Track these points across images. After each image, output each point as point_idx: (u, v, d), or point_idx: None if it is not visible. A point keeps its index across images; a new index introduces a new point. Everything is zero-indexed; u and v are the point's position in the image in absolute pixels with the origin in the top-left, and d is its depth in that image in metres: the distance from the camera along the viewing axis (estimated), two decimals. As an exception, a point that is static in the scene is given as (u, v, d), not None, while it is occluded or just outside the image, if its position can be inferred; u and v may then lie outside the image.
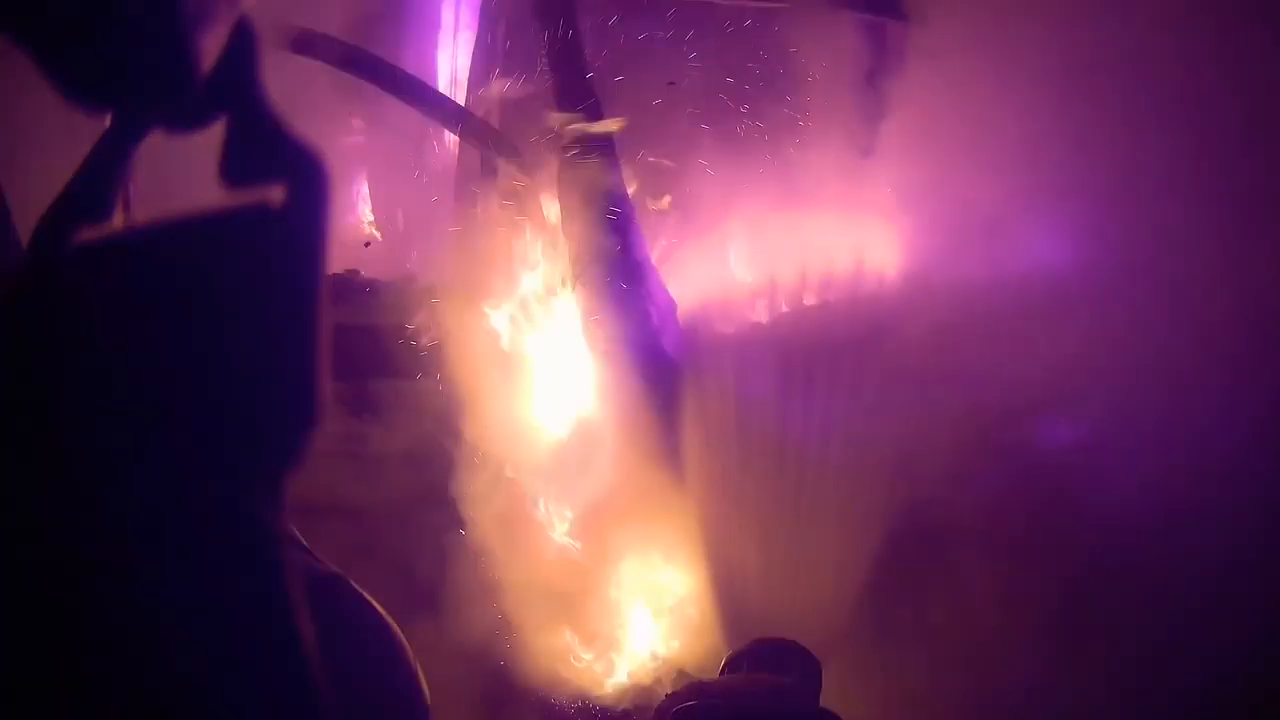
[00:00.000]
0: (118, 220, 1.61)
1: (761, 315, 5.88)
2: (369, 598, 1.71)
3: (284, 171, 1.61)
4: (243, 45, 1.61)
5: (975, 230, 5.17)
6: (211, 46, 1.59)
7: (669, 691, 3.28)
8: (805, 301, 5.75)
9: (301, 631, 1.55)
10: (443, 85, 7.23)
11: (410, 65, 6.77)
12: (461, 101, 6.71)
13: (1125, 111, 4.87)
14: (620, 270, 5.69)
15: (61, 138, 1.58)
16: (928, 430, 5.02)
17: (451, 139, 6.71)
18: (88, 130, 1.59)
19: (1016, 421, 5.00)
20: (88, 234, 1.58)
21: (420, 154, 6.96)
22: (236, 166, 1.62)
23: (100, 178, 1.59)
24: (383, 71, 6.08)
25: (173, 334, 1.58)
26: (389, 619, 1.71)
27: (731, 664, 3.47)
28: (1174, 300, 4.76)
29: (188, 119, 1.61)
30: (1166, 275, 4.82)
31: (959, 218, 5.24)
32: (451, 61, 7.51)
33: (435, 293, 5.69)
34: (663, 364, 5.71)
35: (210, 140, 1.62)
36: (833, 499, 5.04)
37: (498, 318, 5.73)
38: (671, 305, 5.90)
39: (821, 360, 5.42)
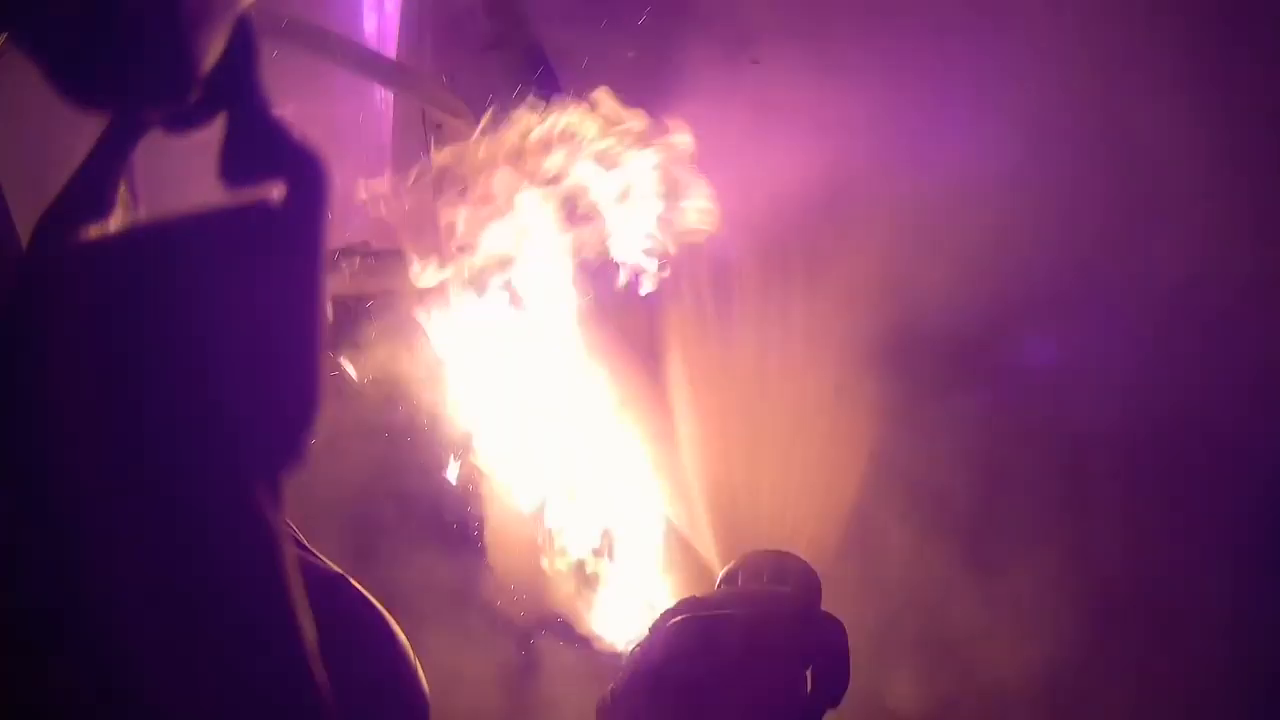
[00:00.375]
0: (117, 219, 1.61)
1: (724, 231, 5.80)
2: (370, 597, 1.73)
3: (283, 170, 1.62)
4: (242, 43, 1.61)
5: (928, 140, 5.13)
6: (211, 45, 1.58)
7: (664, 610, 3.26)
8: (769, 214, 5.67)
9: (302, 631, 1.56)
10: (370, 37, 7.04)
11: (335, 18, 6.60)
12: (392, 54, 6.56)
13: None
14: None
15: (61, 137, 1.56)
16: (899, 348, 4.99)
17: (385, 96, 6.54)
18: (87, 129, 1.59)
19: (995, 340, 4.98)
20: (87, 233, 1.58)
21: (354, 116, 6.76)
22: (236, 165, 1.62)
23: (100, 176, 1.59)
24: (339, 46, 5.94)
25: (172, 332, 1.58)
26: (390, 619, 1.73)
27: (727, 579, 3.45)
28: (1154, 210, 4.75)
29: (187, 118, 1.61)
30: (1147, 180, 4.78)
31: (911, 129, 5.19)
32: (378, 11, 7.34)
33: (382, 260, 5.56)
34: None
35: (210, 139, 1.62)
36: (814, 418, 5.02)
37: (452, 280, 5.61)
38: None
39: (793, 275, 5.36)
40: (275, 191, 1.62)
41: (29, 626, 1.54)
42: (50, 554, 1.54)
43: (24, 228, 1.60)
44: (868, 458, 5.03)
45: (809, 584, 3.60)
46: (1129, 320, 4.90)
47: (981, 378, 5.16)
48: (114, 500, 1.56)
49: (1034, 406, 5.10)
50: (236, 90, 1.62)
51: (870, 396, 5.20)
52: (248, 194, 1.62)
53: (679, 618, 3.26)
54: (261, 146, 1.63)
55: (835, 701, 3.05)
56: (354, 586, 1.72)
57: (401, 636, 1.75)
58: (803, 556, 3.68)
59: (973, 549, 4.87)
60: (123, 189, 1.62)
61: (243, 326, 1.61)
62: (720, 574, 3.91)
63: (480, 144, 5.36)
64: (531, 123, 5.15)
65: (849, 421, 5.00)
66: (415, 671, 1.75)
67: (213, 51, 1.59)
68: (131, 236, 1.62)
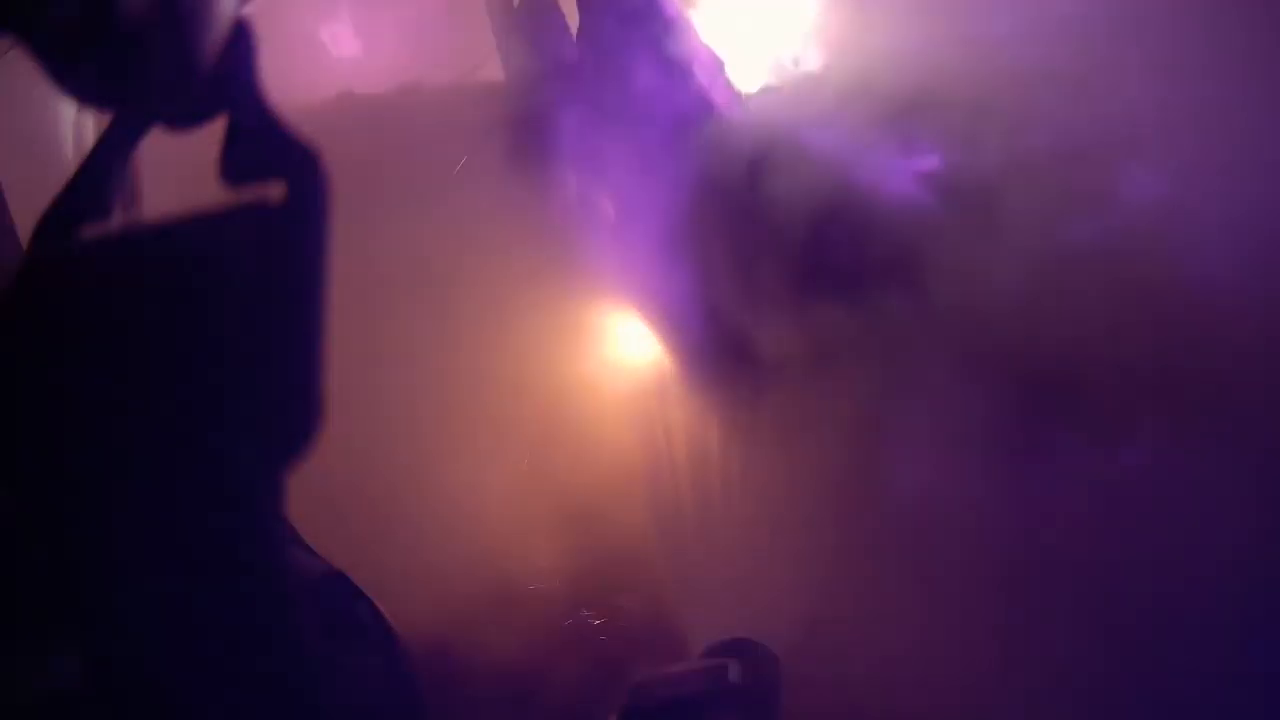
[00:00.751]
0: (119, 217, 1.60)
1: (805, 65, 5.66)
2: (368, 595, 1.76)
3: (283, 169, 1.61)
4: (242, 45, 1.59)
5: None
6: (212, 45, 1.56)
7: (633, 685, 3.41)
8: (849, 52, 5.51)
9: (300, 627, 1.60)
10: None
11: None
12: None
13: None
14: (652, 25, 5.37)
15: (62, 135, 1.56)
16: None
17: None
18: (89, 128, 1.58)
19: (1096, 171, 4.83)
20: (89, 230, 1.58)
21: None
22: (236, 164, 1.61)
23: (102, 174, 1.59)
24: None
25: (173, 329, 1.59)
26: (387, 616, 1.76)
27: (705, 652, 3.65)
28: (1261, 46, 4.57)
29: (189, 117, 1.60)
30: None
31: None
32: None
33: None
34: (717, 120, 5.43)
35: (211, 138, 1.61)
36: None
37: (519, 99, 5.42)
38: (717, 61, 5.59)
39: (879, 109, 5.22)
40: (275, 189, 1.60)
41: (29, 618, 1.58)
42: (50, 547, 1.58)
43: (24, 226, 1.59)
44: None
45: (757, 659, 3.77)
46: (1236, 152, 4.75)
47: (1089, 206, 5.04)
48: (114, 495, 1.58)
49: (1140, 236, 4.99)
50: (236, 89, 1.60)
51: (974, 224, 5.11)
52: (248, 191, 1.60)
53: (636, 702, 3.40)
54: (262, 145, 1.61)
55: None
56: (353, 584, 1.75)
57: (400, 634, 1.78)
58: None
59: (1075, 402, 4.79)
60: (125, 187, 1.61)
61: (245, 323, 1.61)
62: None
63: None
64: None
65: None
66: (413, 668, 1.79)
67: (214, 51, 1.56)
68: (133, 234, 1.62)
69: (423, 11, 6.26)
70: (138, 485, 1.58)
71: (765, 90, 5.70)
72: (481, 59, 5.65)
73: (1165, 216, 4.87)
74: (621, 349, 5.40)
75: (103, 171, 1.57)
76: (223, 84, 1.58)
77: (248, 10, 1.58)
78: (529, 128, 5.36)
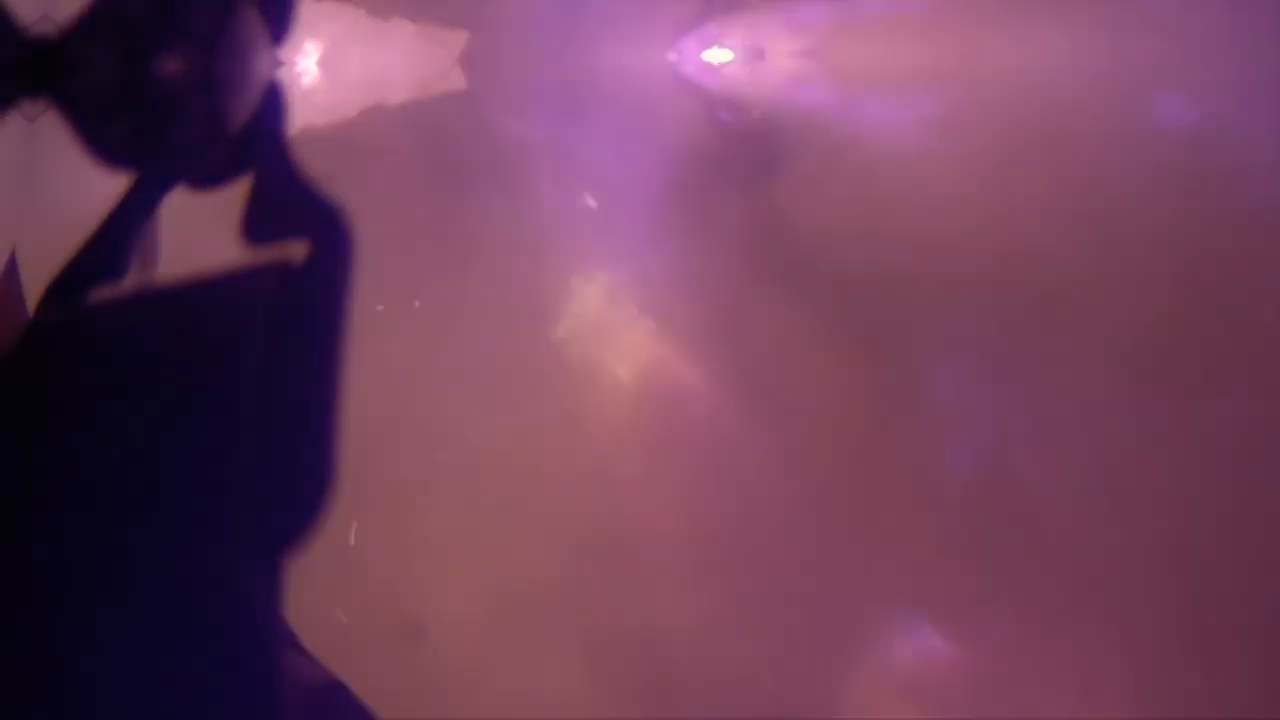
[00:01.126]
0: (136, 277, 1.53)
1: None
2: (369, 708, 1.67)
3: (306, 230, 1.54)
4: (270, 106, 1.52)
5: None
6: (245, 108, 1.50)
7: None
8: None
9: None
10: None
11: None
12: None
13: None
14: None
15: (79, 200, 1.49)
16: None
17: None
18: (109, 186, 1.51)
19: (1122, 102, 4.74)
20: (105, 290, 1.51)
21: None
22: (259, 224, 1.54)
23: (119, 234, 1.52)
24: None
25: (181, 399, 1.51)
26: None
27: None
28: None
29: (213, 177, 1.53)
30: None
31: None
32: None
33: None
34: (692, 91, 5.35)
35: (234, 196, 1.55)
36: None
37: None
38: (683, 30, 5.52)
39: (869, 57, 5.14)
40: (297, 251, 1.54)
41: (15, 706, 1.49)
42: (35, 632, 1.48)
43: (33, 278, 1.51)
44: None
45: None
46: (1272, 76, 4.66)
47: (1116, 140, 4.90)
48: (112, 584, 1.50)
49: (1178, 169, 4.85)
50: (263, 150, 1.53)
51: (973, 146, 4.99)
52: (269, 252, 1.54)
53: None
54: (284, 205, 1.54)
55: None
56: (353, 696, 1.66)
57: None
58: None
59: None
60: (143, 248, 1.54)
61: (259, 395, 1.54)
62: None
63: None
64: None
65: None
66: None
67: (245, 113, 1.50)
68: (149, 295, 1.55)
69: (379, 27, 6.20)
70: (136, 572, 1.49)
71: (739, 56, 5.65)
72: (443, 68, 5.60)
73: (1202, 147, 4.72)
74: (621, 344, 5.30)
75: (122, 230, 1.51)
76: (248, 144, 1.52)
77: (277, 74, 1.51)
78: (500, 132, 5.32)
